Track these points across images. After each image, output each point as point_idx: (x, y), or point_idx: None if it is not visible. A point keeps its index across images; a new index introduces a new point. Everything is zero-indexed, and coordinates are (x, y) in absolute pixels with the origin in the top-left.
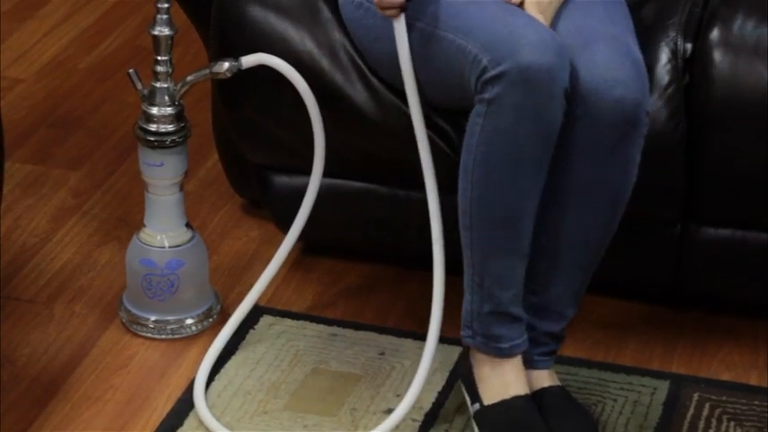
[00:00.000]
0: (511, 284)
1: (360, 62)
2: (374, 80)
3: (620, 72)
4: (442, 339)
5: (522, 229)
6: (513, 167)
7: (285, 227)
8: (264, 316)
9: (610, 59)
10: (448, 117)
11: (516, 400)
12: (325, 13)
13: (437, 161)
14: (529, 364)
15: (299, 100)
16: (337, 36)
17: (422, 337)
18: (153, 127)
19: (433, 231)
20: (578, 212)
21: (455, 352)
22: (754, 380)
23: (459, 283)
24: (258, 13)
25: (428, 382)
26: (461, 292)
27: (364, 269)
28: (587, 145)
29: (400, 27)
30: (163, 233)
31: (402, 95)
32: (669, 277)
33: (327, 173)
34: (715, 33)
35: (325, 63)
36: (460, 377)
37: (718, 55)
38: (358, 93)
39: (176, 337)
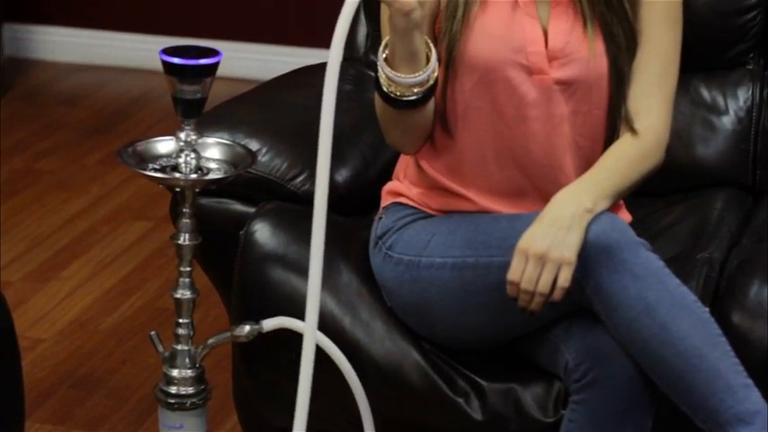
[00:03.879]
0: None
1: (380, 320)
2: (397, 336)
3: None
4: None
5: None
6: None
7: None
8: None
9: None
10: (469, 379)
11: None
12: (346, 273)
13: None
14: None
15: (321, 362)
16: (358, 295)
17: None
18: (173, 389)
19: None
20: None
21: None
22: None
23: None
24: (280, 276)
25: None
26: None
27: None
28: (597, 410)
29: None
30: None
31: (425, 354)
32: None
33: None
34: (731, 298)
35: (346, 323)
36: None
37: (735, 320)
38: (379, 351)
39: None
